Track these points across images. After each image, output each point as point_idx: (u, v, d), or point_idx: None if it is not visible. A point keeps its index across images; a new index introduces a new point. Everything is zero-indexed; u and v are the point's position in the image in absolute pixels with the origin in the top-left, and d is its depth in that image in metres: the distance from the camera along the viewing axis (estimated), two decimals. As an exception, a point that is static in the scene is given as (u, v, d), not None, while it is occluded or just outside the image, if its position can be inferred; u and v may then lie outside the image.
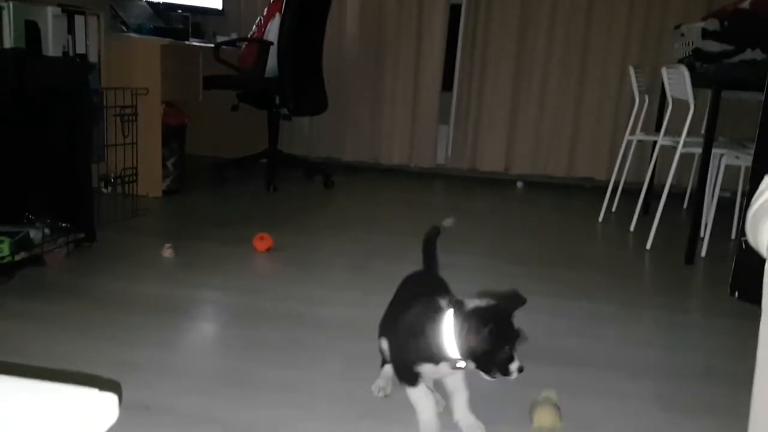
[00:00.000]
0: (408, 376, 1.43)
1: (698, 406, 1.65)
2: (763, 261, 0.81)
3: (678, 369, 1.87)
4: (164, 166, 3.55)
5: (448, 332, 1.32)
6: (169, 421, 1.47)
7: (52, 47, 2.97)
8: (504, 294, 1.40)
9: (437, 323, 1.34)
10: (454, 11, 4.66)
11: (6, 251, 2.27)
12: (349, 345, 1.90)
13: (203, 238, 2.90)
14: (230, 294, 2.26)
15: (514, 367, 1.33)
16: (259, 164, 4.22)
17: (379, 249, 2.89)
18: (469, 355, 1.32)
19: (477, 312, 1.32)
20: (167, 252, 2.60)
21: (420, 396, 1.43)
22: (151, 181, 3.48)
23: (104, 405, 0.55)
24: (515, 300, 1.37)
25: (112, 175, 3.30)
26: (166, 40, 3.51)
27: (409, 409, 1.50)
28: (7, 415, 0.50)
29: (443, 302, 1.37)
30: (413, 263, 2.71)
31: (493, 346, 1.30)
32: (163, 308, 2.10)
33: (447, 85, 4.76)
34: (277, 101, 3.93)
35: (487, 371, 1.33)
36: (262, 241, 2.76)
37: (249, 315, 2.09)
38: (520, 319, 1.98)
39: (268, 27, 3.86)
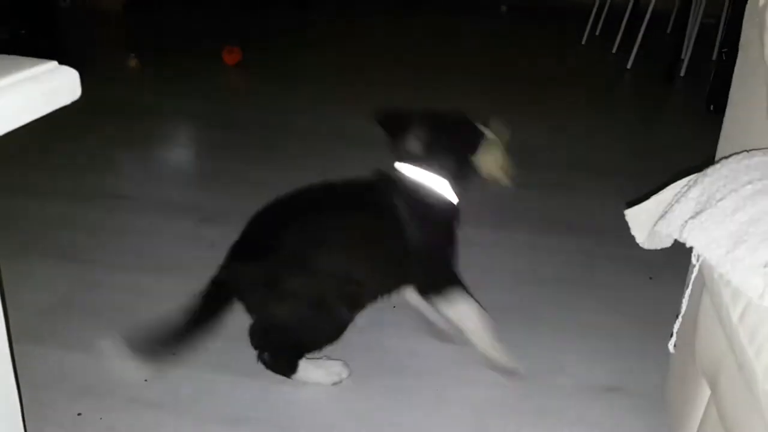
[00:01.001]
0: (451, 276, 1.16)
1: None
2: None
3: (644, 170, 1.90)
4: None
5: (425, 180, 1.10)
6: (148, 207, 1.49)
7: None
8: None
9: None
10: None
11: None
12: (324, 148, 1.90)
13: (170, 50, 2.79)
14: (203, 102, 2.21)
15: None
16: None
17: (352, 65, 2.81)
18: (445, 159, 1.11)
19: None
20: (132, 62, 2.51)
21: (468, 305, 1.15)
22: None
23: (66, 77, 0.53)
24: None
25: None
26: None
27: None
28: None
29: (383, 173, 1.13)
30: (388, 79, 2.66)
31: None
32: (135, 113, 2.06)
33: None
34: None
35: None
36: (231, 54, 2.66)
37: (225, 122, 2.06)
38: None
39: None
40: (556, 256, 1.47)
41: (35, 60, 0.52)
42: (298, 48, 3.03)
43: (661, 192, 0.75)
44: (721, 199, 0.64)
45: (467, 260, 1.40)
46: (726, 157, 0.72)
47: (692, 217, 0.66)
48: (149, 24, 3.29)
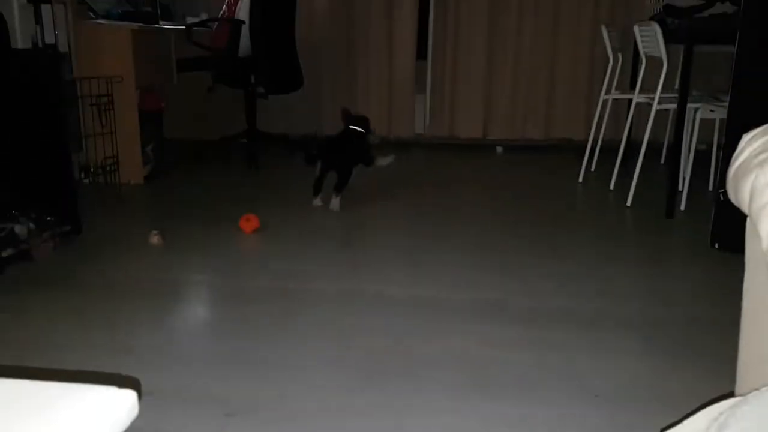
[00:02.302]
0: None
1: (685, 355, 1.71)
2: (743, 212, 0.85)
3: (664, 320, 1.93)
4: (143, 152, 3.52)
5: None
6: (170, 405, 1.50)
7: (20, 39, 2.92)
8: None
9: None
10: (425, -21, 4.63)
11: (-8, 249, 2.26)
12: (342, 317, 1.94)
13: (189, 222, 2.90)
14: (220, 275, 2.28)
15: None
16: (239, 144, 4.20)
17: (364, 222, 2.92)
18: None
19: None
20: (154, 239, 2.60)
21: None
22: (132, 168, 3.46)
23: (124, 402, 0.57)
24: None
25: (92, 165, 3.27)
26: (136, 25, 3.46)
27: (408, 377, 1.54)
28: (29, 417, 0.52)
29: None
30: (398, 233, 2.76)
31: None
32: (155, 293, 2.12)
33: (421, 53, 4.75)
34: (253, 80, 3.90)
35: None
36: (248, 222, 2.77)
37: (241, 295, 2.11)
38: (503, 280, 2.00)
39: (238, 6, 3.81)
40: None
41: (94, 387, 0.57)
42: (310, 207, 3.16)
43: (694, 418, 0.78)
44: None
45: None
46: (749, 395, 0.75)
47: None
48: (170, 194, 3.44)
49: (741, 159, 0.74)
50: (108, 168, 3.17)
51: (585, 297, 2.09)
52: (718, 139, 3.60)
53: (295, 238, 2.68)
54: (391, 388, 1.55)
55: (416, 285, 2.19)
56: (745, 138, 0.75)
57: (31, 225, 2.50)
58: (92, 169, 3.31)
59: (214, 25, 3.98)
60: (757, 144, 0.72)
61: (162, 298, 2.08)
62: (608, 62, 3.74)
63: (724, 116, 2.62)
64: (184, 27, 3.72)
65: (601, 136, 3.79)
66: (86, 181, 3.38)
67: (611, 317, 1.94)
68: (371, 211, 3.11)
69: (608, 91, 3.70)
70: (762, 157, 0.69)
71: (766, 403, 0.67)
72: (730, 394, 0.76)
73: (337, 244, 2.63)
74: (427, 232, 2.77)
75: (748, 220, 0.79)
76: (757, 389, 0.68)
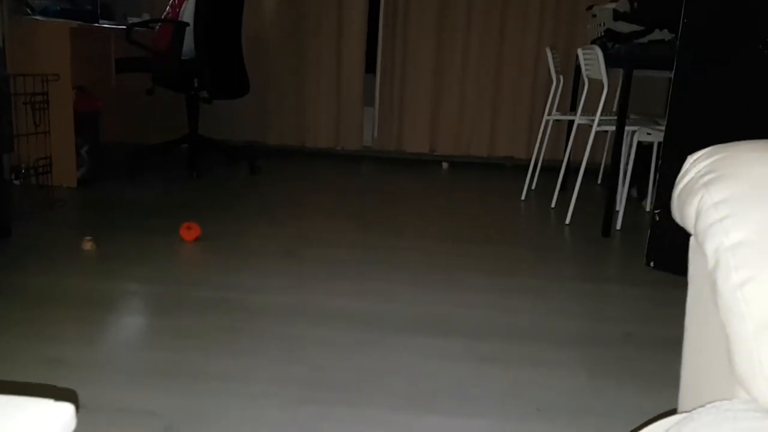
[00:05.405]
0: None
1: (621, 371, 1.75)
2: (680, 232, 0.87)
3: (600, 336, 1.97)
4: (78, 154, 3.39)
5: None
6: (106, 418, 1.43)
7: (-51, 31, 2.78)
8: None
9: None
10: (374, -8, 4.66)
11: None
12: (285, 330, 1.90)
13: (124, 228, 2.80)
14: (158, 285, 2.20)
15: None
16: (179, 150, 4.11)
17: (308, 233, 2.88)
18: None
19: None
20: (87, 245, 2.50)
21: None
22: (65, 171, 3.33)
23: (61, 416, 0.54)
24: None
25: (24, 165, 3.13)
26: (75, 23, 3.34)
27: (349, 391, 1.51)
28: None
29: None
30: (343, 246, 2.73)
31: None
32: (87, 302, 2.03)
33: (370, 67, 4.76)
34: (196, 84, 3.82)
35: None
36: (189, 231, 2.69)
37: (180, 305, 2.04)
38: (445, 295, 2.00)
39: (183, 7, 3.73)
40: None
41: (29, 400, 0.53)
42: (253, 217, 3.11)
43: (650, 428, 0.79)
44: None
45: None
46: (694, 412, 0.76)
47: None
48: (105, 199, 3.32)
49: (686, 180, 0.75)
50: (40, 169, 3.03)
51: (524, 312, 2.11)
52: (655, 161, 3.73)
53: (237, 249, 2.63)
54: (332, 401, 1.53)
55: (359, 298, 2.17)
56: (690, 159, 0.77)
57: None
58: (23, 170, 3.17)
59: (157, 26, 3.89)
60: (701, 165, 0.74)
61: (95, 308, 2.00)
62: (551, 84, 3.83)
63: (660, 140, 2.72)
64: (125, 27, 3.61)
65: (542, 155, 3.87)
66: (17, 182, 3.23)
67: (550, 332, 1.97)
68: (315, 222, 3.08)
69: (550, 112, 3.79)
70: (707, 178, 0.71)
71: (712, 420, 0.68)
72: (673, 411, 0.77)
73: (281, 255, 2.59)
74: (371, 245, 2.76)
75: (692, 239, 0.81)
76: (701, 406, 0.70)
